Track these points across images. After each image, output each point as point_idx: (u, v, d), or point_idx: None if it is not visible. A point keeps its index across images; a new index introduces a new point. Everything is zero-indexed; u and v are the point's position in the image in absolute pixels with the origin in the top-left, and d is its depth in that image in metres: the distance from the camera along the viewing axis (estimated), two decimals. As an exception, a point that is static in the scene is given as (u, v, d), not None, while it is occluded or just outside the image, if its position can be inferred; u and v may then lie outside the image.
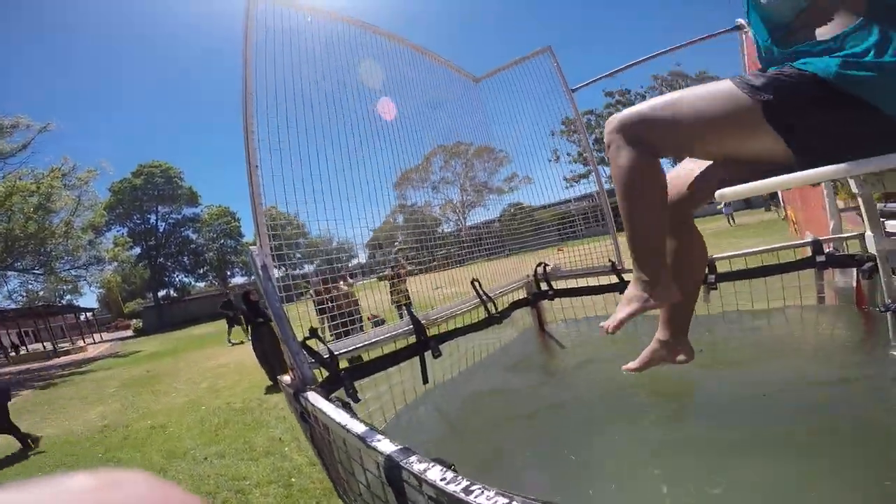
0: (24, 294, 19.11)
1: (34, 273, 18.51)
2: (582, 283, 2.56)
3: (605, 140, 1.23)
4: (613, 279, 2.52)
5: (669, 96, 1.14)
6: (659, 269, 1.20)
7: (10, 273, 18.18)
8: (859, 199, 1.89)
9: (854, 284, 2.09)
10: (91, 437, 5.42)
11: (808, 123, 0.97)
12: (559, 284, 2.72)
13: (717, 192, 1.12)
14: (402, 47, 2.30)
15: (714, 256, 2.27)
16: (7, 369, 18.21)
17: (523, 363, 2.27)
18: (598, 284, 2.52)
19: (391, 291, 3.24)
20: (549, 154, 3.15)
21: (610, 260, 2.66)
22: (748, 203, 32.88)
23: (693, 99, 1.09)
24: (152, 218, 37.65)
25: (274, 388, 6.26)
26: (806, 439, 1.30)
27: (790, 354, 1.92)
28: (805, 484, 1.16)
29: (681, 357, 1.38)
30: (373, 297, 1.90)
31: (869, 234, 1.90)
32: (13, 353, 23.54)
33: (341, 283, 2.58)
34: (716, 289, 2.25)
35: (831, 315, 2.18)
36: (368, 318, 2.49)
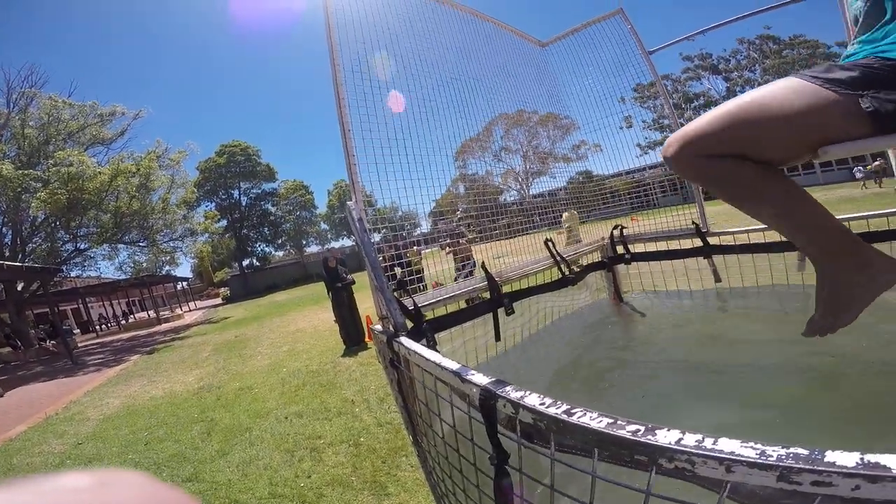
0: (132, 265, 21.52)
1: (139, 245, 20.77)
2: (662, 247, 2.39)
3: (675, 166, 1.04)
4: (697, 242, 2.29)
5: (729, 107, 1.00)
6: (857, 239, 0.97)
7: (120, 246, 20.53)
8: None
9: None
10: (189, 399, 5.88)
11: None
12: (637, 252, 2.52)
13: (822, 150, 0.98)
14: (461, 13, 2.26)
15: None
16: (119, 336, 20.66)
17: (596, 331, 2.19)
18: (679, 248, 2.32)
19: (455, 259, 3.29)
20: (619, 121, 3.02)
21: (694, 222, 2.43)
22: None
23: (768, 101, 0.97)
24: (235, 193, 41.24)
25: (347, 351, 6.64)
26: None
27: None
28: None
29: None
30: (435, 265, 1.95)
31: None
32: (124, 322, 26.94)
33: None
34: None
35: None
36: (433, 286, 2.58)
